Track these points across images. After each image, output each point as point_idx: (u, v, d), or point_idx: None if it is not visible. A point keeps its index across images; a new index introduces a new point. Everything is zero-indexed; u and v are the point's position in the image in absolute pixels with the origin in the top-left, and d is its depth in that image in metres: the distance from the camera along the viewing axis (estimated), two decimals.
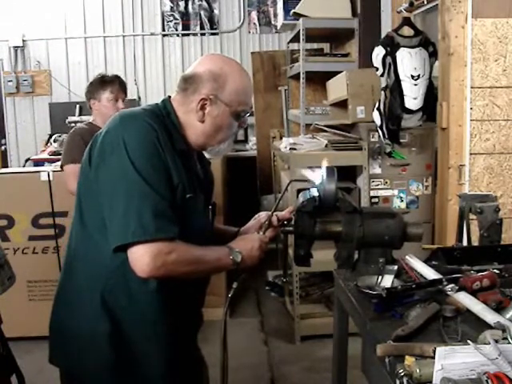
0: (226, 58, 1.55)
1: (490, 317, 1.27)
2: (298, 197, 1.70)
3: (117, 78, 3.05)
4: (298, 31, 4.29)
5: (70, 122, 5.65)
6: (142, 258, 1.32)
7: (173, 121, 1.49)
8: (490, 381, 0.97)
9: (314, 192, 1.58)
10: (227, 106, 1.48)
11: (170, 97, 1.56)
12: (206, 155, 1.65)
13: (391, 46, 3.03)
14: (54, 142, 5.55)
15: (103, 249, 1.39)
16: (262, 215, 1.66)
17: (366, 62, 3.74)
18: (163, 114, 1.49)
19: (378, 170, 3.42)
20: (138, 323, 1.45)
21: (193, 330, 1.66)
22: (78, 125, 3.25)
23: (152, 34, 6.55)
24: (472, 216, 1.87)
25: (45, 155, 5.51)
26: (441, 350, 1.02)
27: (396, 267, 1.55)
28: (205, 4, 6.50)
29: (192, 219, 1.47)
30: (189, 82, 1.49)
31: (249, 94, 1.57)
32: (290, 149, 3.44)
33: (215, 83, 1.46)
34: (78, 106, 6.16)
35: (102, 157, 1.39)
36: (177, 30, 6.56)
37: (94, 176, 1.40)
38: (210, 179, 1.67)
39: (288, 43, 5.23)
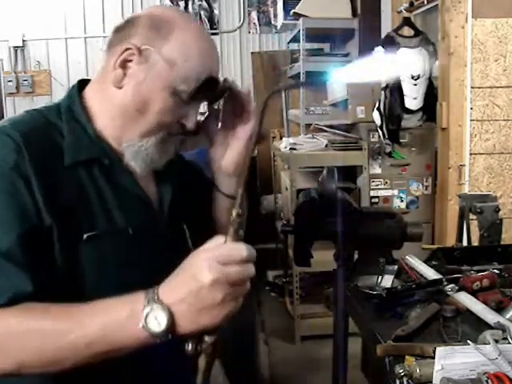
0: (180, 11, 1.11)
1: (490, 317, 1.26)
2: (298, 197, 1.70)
3: None
4: (298, 31, 4.29)
5: None
6: None
7: (75, 116, 1.00)
8: (489, 381, 0.97)
9: (314, 192, 1.58)
10: (165, 71, 0.96)
11: (83, 81, 1.08)
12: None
13: (391, 46, 3.03)
14: None
15: None
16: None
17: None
18: (60, 113, 1.02)
19: (378, 170, 3.42)
20: None
21: None
22: None
23: None
24: (472, 216, 1.87)
25: None
26: (441, 350, 1.02)
27: (396, 267, 1.55)
28: (205, 4, 6.50)
29: (107, 264, 0.95)
30: (118, 33, 1.01)
31: (208, 66, 1.00)
32: (290, 149, 3.44)
33: (154, 31, 0.96)
34: None
35: None
36: None
37: None
38: (184, 190, 1.14)
39: (288, 43, 5.23)
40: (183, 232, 1.15)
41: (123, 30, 0.99)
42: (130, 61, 0.96)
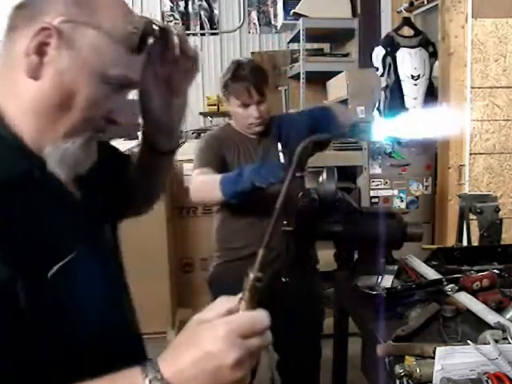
0: None
1: (490, 317, 1.27)
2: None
3: None
4: (298, 31, 4.30)
5: None
6: None
7: None
8: (489, 381, 0.97)
9: (314, 193, 1.58)
10: (92, 55, 0.77)
11: None
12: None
13: (391, 46, 3.03)
14: None
15: None
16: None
17: (366, 62, 3.74)
18: None
19: (378, 170, 3.42)
20: None
21: None
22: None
23: None
24: (472, 216, 1.87)
25: None
26: (441, 350, 1.02)
27: (396, 267, 1.55)
28: (205, 4, 6.50)
29: (77, 289, 0.79)
30: (22, 9, 0.78)
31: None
32: None
33: (74, 7, 0.76)
34: None
35: None
36: None
37: None
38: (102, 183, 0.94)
39: (288, 43, 5.24)
40: (108, 231, 0.97)
41: (30, 5, 0.77)
42: (47, 44, 0.74)
